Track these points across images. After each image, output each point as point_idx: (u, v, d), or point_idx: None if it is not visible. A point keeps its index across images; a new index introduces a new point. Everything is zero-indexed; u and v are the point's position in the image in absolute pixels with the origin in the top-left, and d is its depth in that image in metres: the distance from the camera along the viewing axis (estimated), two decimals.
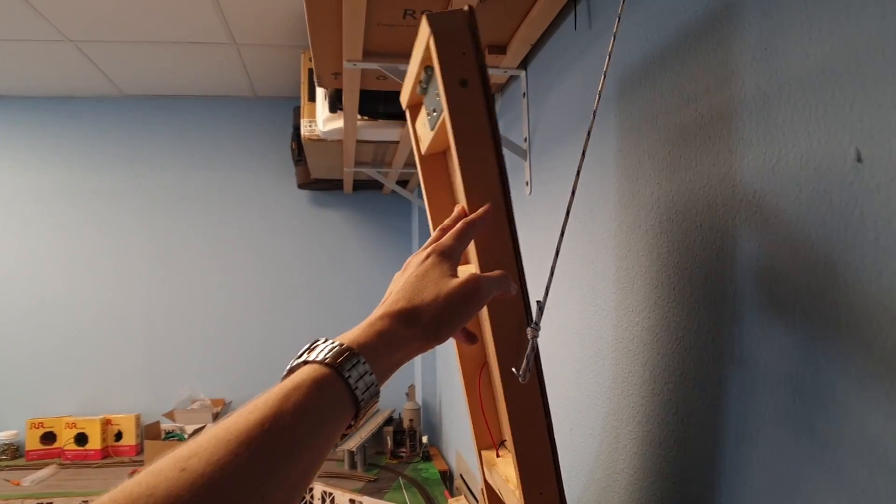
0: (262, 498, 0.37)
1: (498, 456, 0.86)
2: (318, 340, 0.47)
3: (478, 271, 0.62)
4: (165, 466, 0.36)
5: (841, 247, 0.49)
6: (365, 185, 2.85)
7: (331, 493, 2.19)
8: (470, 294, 0.54)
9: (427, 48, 0.64)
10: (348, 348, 0.46)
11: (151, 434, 2.46)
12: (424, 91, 0.74)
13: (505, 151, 1.31)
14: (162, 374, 2.85)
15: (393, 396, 2.91)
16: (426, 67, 0.70)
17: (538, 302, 0.63)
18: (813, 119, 0.53)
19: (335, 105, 1.59)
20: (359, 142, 1.92)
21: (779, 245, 0.57)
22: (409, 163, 2.29)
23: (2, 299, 2.79)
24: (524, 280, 0.65)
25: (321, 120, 1.78)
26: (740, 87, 0.62)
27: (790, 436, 0.55)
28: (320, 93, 1.77)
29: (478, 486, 1.97)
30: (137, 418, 2.74)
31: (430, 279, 0.54)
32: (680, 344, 0.73)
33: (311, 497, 2.25)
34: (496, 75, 1.31)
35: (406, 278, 0.55)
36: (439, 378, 2.74)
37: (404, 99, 0.86)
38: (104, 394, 2.82)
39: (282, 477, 0.39)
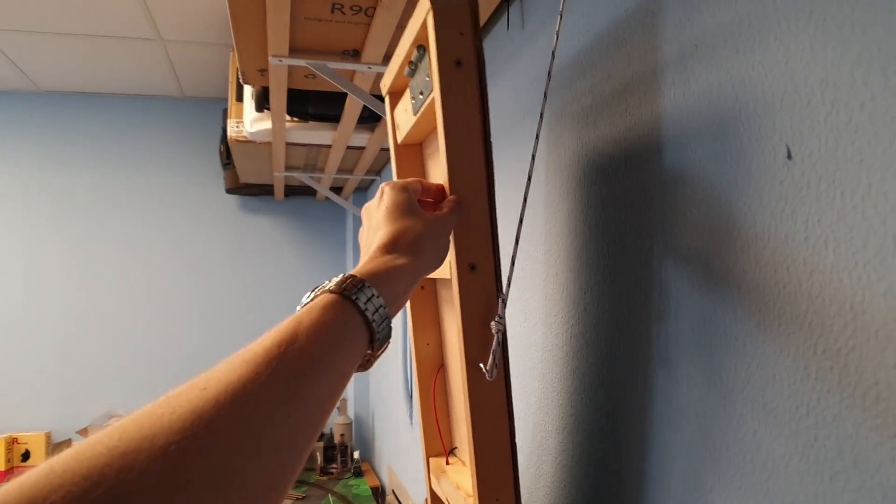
0: (286, 416, 0.37)
1: (448, 463, 0.83)
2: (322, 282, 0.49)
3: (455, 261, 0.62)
4: (184, 389, 0.35)
5: (772, 246, 0.48)
6: (298, 192, 2.77)
7: None
8: (443, 216, 0.57)
9: (423, 26, 0.63)
10: (351, 276, 0.47)
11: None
12: (413, 72, 0.72)
13: None
14: (76, 388, 2.66)
15: None
16: (419, 46, 0.68)
17: (500, 295, 0.62)
18: (743, 116, 0.51)
19: (262, 104, 1.52)
20: (289, 144, 1.86)
21: (709, 245, 0.55)
22: (343, 168, 2.23)
23: None
24: (500, 270, 0.63)
25: (248, 120, 1.70)
26: (670, 84, 0.60)
27: (712, 436, 0.53)
28: (248, 92, 1.70)
29: (409, 502, 1.92)
30: (48, 436, 2.56)
31: (402, 210, 0.56)
32: (610, 350, 0.70)
33: None
34: None
35: (379, 214, 0.57)
36: (372, 392, 2.67)
37: (386, 84, 0.84)
38: (10, 410, 2.61)
39: (304, 396, 0.39)
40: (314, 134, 1.74)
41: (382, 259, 0.51)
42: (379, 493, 2.29)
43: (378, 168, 2.31)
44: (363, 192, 2.72)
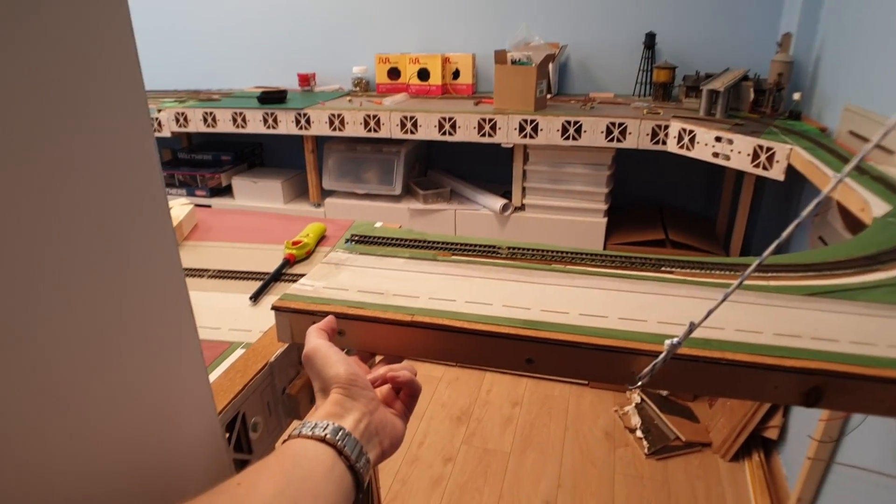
0: None
1: None
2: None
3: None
4: None
5: None
6: None
7: (691, 131, 1.98)
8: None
9: None
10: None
11: (500, 59, 2.38)
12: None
13: None
14: (496, 13, 2.73)
15: (751, 52, 2.49)
16: None
17: (691, 323, 0.58)
18: None
19: None
20: None
21: None
22: None
23: None
24: None
25: None
26: None
27: None
28: None
29: None
30: (473, 57, 2.73)
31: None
32: None
33: (666, 136, 2.08)
34: None
35: None
36: (821, 27, 2.22)
37: None
38: (442, 32, 2.82)
39: None
40: None
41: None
42: (826, 133, 2.00)
43: None
44: None
